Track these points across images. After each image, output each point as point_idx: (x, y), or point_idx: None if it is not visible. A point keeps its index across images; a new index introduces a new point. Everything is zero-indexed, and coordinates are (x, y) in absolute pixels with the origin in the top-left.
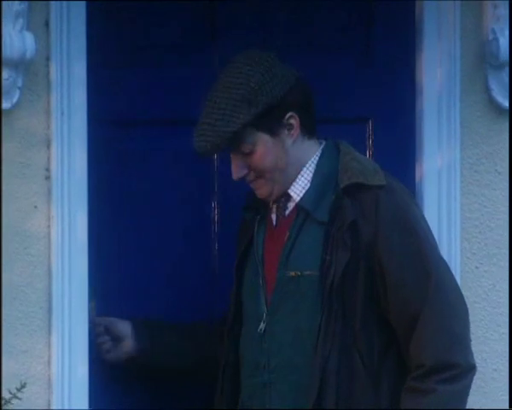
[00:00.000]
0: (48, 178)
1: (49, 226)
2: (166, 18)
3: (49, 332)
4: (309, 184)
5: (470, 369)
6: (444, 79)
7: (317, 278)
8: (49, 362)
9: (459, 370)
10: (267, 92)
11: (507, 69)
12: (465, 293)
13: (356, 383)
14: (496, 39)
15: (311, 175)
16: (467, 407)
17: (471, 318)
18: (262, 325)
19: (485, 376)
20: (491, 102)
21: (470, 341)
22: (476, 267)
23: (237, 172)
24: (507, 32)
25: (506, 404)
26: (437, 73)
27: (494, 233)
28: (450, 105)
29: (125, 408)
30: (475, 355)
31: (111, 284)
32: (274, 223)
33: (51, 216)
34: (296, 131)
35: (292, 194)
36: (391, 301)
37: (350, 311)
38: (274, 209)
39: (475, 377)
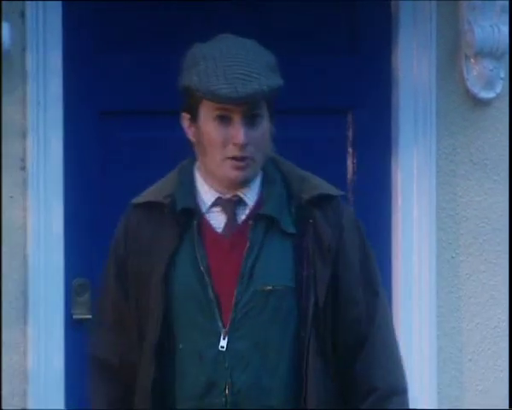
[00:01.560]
0: (23, 168)
1: (24, 217)
2: (144, 8)
3: (25, 323)
4: (259, 190)
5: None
6: (419, 69)
7: (290, 293)
8: (24, 353)
9: (406, 396)
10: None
11: (482, 59)
12: (441, 283)
13: (335, 402)
14: (471, 30)
15: (259, 179)
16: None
17: (446, 308)
18: (223, 343)
19: (461, 366)
20: (467, 92)
21: None
22: (452, 257)
23: (246, 136)
24: (482, 23)
25: (484, 395)
26: (413, 63)
27: (470, 223)
28: (426, 96)
29: None
30: (450, 345)
31: (88, 276)
32: (220, 230)
33: (27, 207)
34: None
35: (245, 199)
36: (342, 320)
37: (325, 329)
38: (217, 215)
39: (451, 367)
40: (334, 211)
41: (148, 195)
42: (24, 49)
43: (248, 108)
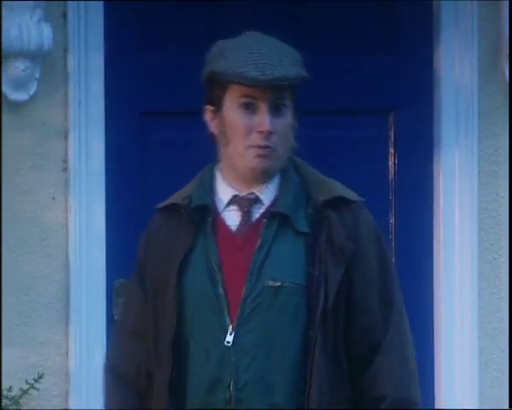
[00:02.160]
0: (65, 169)
1: (66, 218)
2: (185, 9)
3: (67, 323)
4: (277, 189)
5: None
6: (461, 70)
7: (299, 290)
8: (66, 353)
9: (416, 408)
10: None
11: None
12: (482, 284)
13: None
14: None
15: (277, 180)
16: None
17: (488, 309)
18: (229, 338)
19: (503, 367)
20: (509, 92)
21: None
22: (494, 258)
23: (271, 125)
24: None
25: None
26: (455, 64)
27: None
28: (468, 96)
29: None
30: (492, 346)
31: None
32: (234, 228)
33: (69, 207)
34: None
35: (261, 198)
36: (356, 326)
37: (337, 331)
38: (233, 214)
39: (493, 368)
40: (352, 215)
41: (171, 198)
42: (65, 51)
43: (274, 97)
